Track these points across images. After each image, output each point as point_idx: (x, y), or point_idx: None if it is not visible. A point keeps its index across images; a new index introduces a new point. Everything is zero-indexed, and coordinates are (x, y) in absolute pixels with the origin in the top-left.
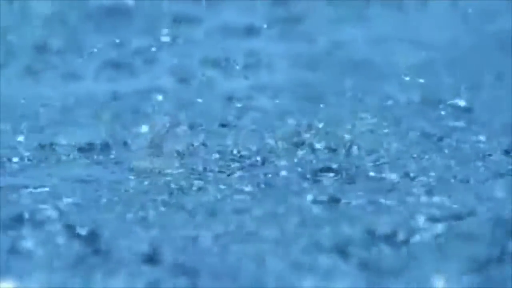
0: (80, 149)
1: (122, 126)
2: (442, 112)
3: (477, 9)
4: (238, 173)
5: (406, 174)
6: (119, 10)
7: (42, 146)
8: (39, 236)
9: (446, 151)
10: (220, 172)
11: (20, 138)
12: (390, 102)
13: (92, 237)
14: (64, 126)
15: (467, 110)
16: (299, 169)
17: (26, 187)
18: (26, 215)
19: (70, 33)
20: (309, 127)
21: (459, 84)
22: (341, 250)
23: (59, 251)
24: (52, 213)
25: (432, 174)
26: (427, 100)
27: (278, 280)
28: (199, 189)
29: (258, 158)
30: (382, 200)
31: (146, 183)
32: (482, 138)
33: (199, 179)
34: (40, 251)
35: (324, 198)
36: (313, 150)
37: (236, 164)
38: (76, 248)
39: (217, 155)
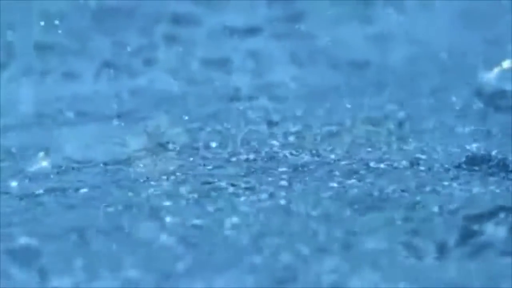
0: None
1: (121, 126)
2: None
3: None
4: (239, 173)
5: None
6: (119, 10)
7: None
8: None
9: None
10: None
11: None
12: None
13: None
14: (65, 126)
15: None
16: (304, 171)
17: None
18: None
19: (71, 33)
20: (310, 128)
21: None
22: None
23: None
24: None
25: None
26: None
27: None
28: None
29: (260, 158)
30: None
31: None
32: None
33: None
34: None
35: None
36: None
37: (237, 164)
38: None
39: (217, 156)
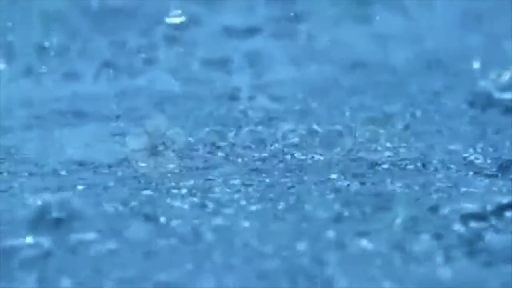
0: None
1: (121, 126)
2: None
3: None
4: (239, 174)
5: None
6: (120, 10)
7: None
8: None
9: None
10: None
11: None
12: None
13: None
14: (65, 127)
15: None
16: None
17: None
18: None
19: (70, 33)
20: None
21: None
22: None
23: None
24: None
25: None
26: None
27: None
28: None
29: (260, 158)
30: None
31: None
32: None
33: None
34: None
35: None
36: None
37: (237, 164)
38: None
39: (217, 156)
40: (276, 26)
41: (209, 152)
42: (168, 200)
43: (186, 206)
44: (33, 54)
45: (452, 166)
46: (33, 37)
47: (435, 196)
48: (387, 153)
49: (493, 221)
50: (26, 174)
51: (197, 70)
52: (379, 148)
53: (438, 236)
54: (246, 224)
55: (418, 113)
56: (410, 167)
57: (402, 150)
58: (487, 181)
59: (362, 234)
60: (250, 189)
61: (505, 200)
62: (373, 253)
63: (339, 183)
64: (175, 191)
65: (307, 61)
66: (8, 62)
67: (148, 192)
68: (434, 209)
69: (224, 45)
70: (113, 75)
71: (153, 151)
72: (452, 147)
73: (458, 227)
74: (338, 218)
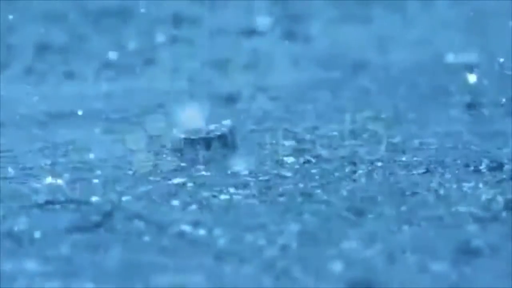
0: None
1: (121, 126)
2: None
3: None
4: (239, 173)
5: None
6: (120, 10)
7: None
8: None
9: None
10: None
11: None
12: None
13: None
14: (65, 126)
15: None
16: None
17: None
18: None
19: (70, 33)
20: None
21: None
22: None
23: None
24: None
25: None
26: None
27: None
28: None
29: (260, 158)
30: None
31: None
32: None
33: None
34: None
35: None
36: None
37: (237, 164)
38: None
39: (217, 156)
40: (277, 27)
41: (209, 152)
42: (168, 200)
43: (186, 206)
44: (33, 54)
45: (451, 166)
46: (33, 37)
47: (434, 195)
48: (387, 153)
49: (492, 220)
50: (26, 172)
51: (197, 70)
52: (379, 147)
53: (439, 236)
54: (247, 223)
55: (418, 113)
56: (410, 166)
57: (402, 149)
58: (486, 181)
59: (361, 233)
60: (250, 188)
61: (503, 199)
62: (371, 251)
63: (340, 182)
64: (174, 191)
65: (307, 61)
66: (8, 62)
67: (147, 191)
68: (434, 208)
69: (224, 45)
70: (113, 75)
71: (153, 151)
72: (451, 147)
73: (457, 226)
74: (337, 217)
